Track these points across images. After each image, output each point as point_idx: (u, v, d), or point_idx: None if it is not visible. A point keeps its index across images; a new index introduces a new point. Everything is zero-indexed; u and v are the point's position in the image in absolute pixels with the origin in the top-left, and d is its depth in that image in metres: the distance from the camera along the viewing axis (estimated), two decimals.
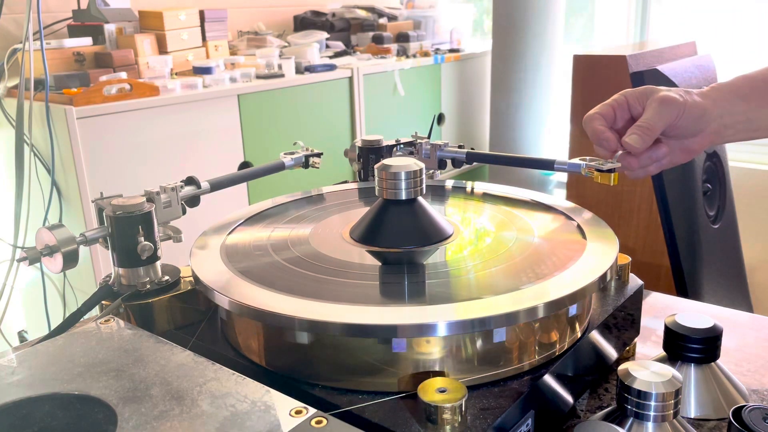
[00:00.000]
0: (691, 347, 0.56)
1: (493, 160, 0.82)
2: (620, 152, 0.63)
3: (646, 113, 0.62)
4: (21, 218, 1.65)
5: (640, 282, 0.65)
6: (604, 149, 0.64)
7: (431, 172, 0.81)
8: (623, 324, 0.63)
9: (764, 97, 0.63)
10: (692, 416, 0.56)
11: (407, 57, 2.53)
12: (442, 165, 0.81)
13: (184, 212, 0.66)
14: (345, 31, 2.68)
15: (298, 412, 0.39)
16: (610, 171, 0.65)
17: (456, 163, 0.81)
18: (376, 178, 0.62)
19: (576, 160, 0.68)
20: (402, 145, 0.83)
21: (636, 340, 0.66)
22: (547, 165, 0.71)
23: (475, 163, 0.82)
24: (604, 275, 0.53)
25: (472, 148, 0.81)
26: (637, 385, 0.47)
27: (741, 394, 0.57)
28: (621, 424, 0.48)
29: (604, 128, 0.63)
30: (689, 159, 0.66)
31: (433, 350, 0.49)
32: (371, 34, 2.64)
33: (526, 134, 2.69)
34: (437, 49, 2.70)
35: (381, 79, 2.34)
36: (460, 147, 0.81)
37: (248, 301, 0.49)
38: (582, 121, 0.65)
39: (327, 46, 2.51)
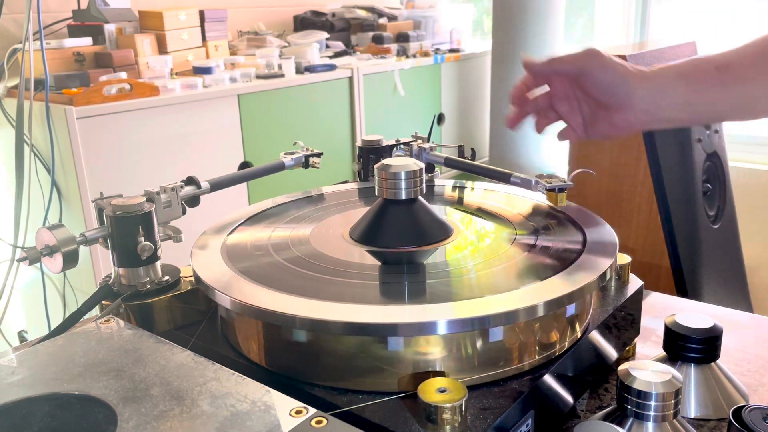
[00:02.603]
0: (691, 347, 0.56)
1: (462, 167, 0.81)
2: (578, 171, 0.63)
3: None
4: (21, 218, 1.65)
5: (640, 282, 0.65)
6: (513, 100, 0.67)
7: (431, 175, 0.81)
8: (623, 324, 0.63)
9: (706, 80, 0.60)
10: (692, 416, 0.56)
11: (407, 57, 2.53)
12: (429, 168, 0.81)
13: (184, 212, 0.66)
14: (345, 31, 2.68)
15: (298, 412, 0.39)
16: (555, 190, 0.64)
17: None
18: (376, 178, 0.62)
19: (529, 176, 0.69)
20: (402, 146, 0.83)
21: (636, 340, 0.66)
22: (505, 177, 0.72)
23: None
24: (604, 275, 0.53)
25: (473, 149, 0.81)
26: (637, 385, 0.47)
27: (741, 394, 0.57)
28: (621, 424, 0.48)
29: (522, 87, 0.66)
30: (615, 133, 0.64)
31: (433, 350, 0.49)
32: (371, 34, 2.64)
33: (527, 134, 2.69)
34: (437, 49, 2.70)
35: (381, 79, 2.34)
36: (460, 147, 0.81)
37: (249, 301, 0.49)
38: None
39: (327, 46, 2.51)
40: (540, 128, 0.68)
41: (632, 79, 0.60)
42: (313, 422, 0.38)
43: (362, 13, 2.71)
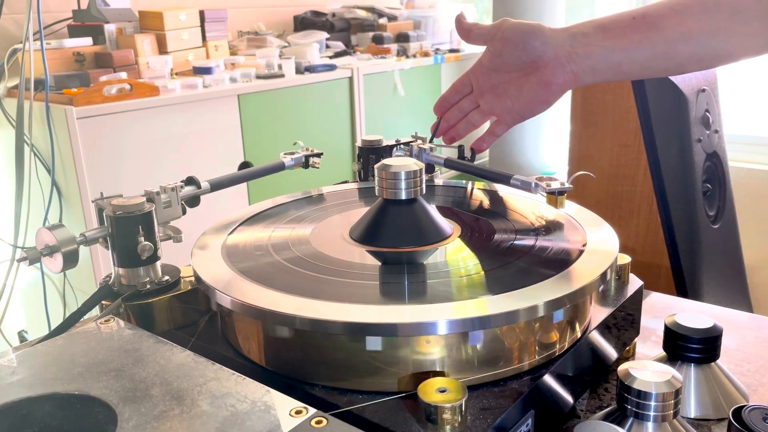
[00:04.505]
0: (691, 347, 0.56)
1: (462, 168, 0.81)
2: (578, 173, 0.69)
3: None
4: (21, 218, 1.65)
5: (640, 282, 0.65)
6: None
7: (431, 175, 0.81)
8: (623, 324, 0.63)
9: (623, 28, 0.60)
10: (692, 416, 0.56)
11: (407, 57, 2.53)
12: (429, 169, 0.81)
13: (184, 212, 0.66)
14: (345, 31, 2.68)
15: (298, 412, 0.39)
16: (555, 193, 0.64)
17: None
18: (376, 178, 0.62)
19: (529, 178, 0.69)
20: (402, 146, 0.83)
21: (636, 340, 0.66)
22: (505, 179, 0.72)
23: None
24: (603, 275, 0.53)
25: (473, 150, 0.81)
26: (637, 385, 0.47)
27: (741, 394, 0.57)
28: (621, 424, 0.48)
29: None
30: (547, 97, 0.65)
31: (433, 350, 0.49)
32: (371, 34, 2.64)
33: (527, 134, 2.69)
34: (437, 49, 2.70)
35: (381, 79, 2.34)
36: (460, 147, 0.81)
37: (249, 301, 0.49)
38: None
39: (327, 46, 2.51)
40: (462, 134, 0.73)
41: (548, 30, 0.63)
42: (313, 422, 0.38)
43: (362, 13, 2.71)
